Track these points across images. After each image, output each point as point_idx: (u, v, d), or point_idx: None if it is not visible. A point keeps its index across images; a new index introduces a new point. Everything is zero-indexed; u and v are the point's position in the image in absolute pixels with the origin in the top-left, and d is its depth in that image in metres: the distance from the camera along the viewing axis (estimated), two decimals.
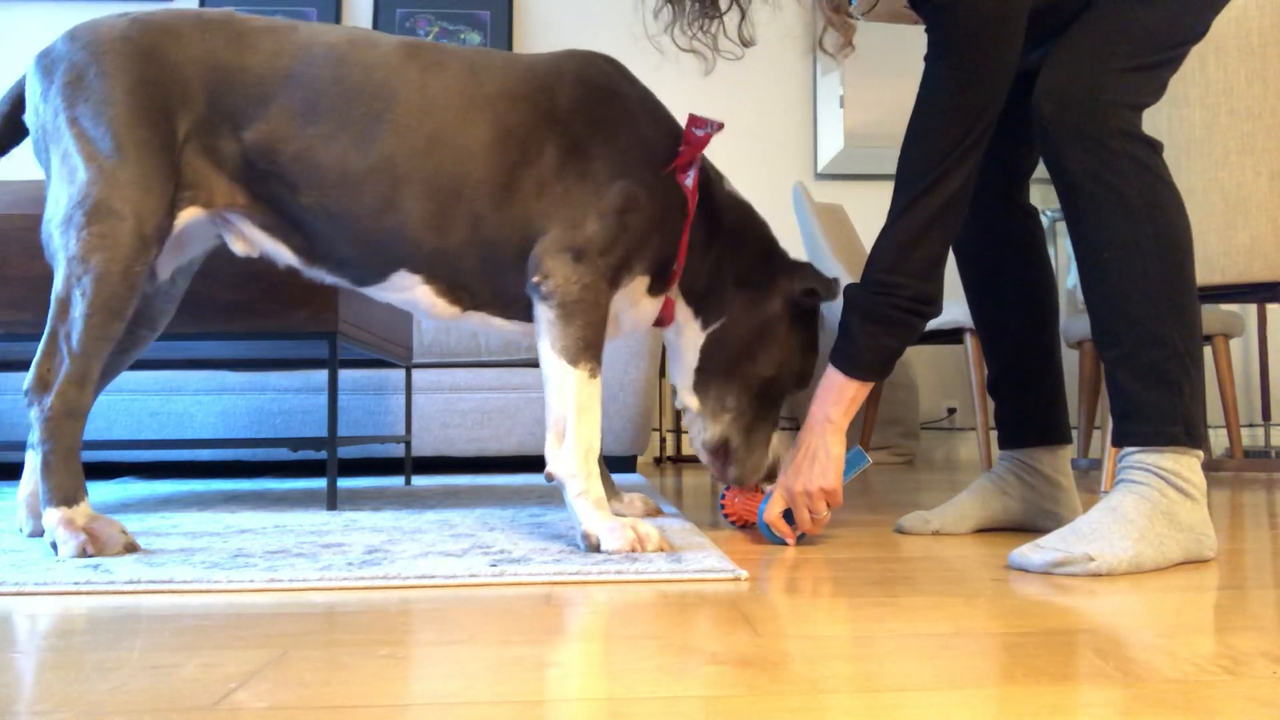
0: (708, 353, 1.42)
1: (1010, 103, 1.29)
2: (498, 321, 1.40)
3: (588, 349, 1.25)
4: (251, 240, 1.37)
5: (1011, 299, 1.44)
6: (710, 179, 1.42)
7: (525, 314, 1.38)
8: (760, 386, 1.43)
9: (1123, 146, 1.15)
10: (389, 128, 1.27)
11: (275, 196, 1.30)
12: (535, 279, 1.26)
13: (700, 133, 1.34)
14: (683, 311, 1.43)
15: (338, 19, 4.21)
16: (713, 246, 1.41)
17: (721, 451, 1.45)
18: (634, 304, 1.39)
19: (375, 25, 4.22)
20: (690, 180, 1.35)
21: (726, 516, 1.48)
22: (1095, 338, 1.20)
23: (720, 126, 1.35)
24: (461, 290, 1.35)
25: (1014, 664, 0.68)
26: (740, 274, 1.42)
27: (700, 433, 1.45)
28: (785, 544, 1.31)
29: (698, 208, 1.39)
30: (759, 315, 1.41)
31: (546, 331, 1.25)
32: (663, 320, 1.44)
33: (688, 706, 0.58)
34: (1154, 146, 1.17)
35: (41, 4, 4.23)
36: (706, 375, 1.43)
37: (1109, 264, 1.16)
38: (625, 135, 1.32)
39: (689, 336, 1.44)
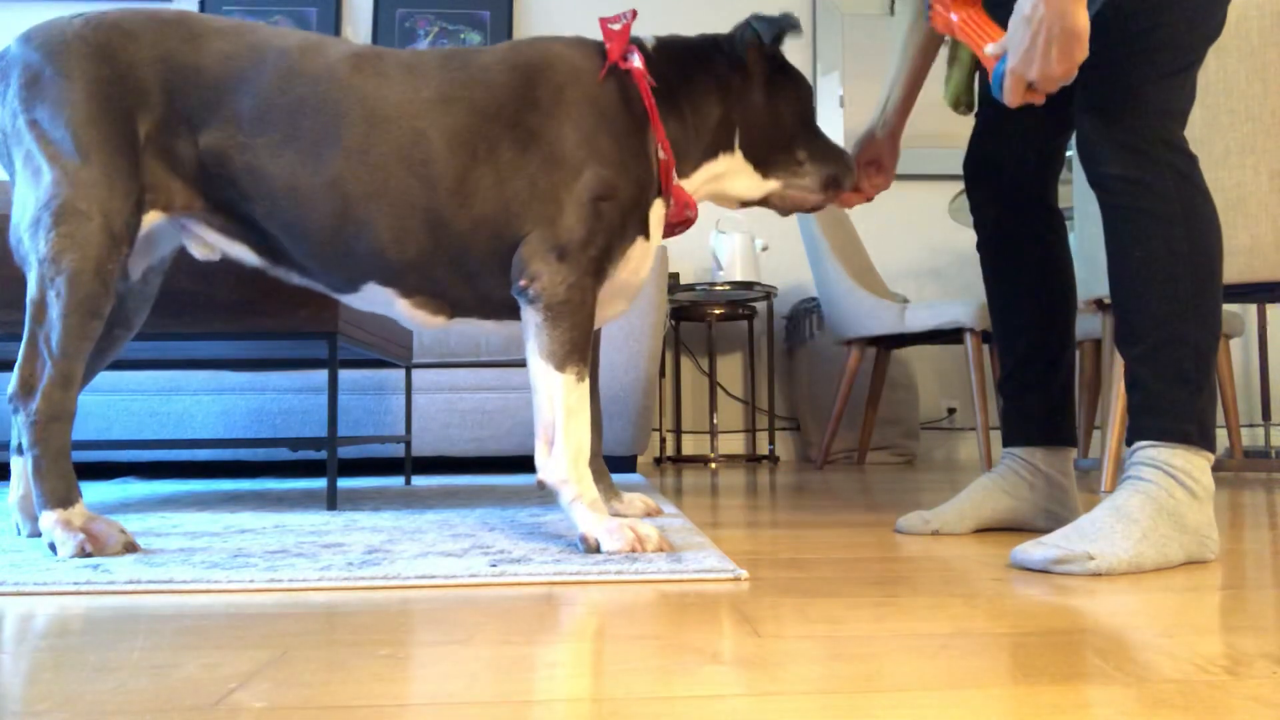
0: (753, 154, 1.40)
1: (1047, 104, 1.28)
2: (489, 325, 1.39)
3: (574, 352, 1.23)
4: (210, 243, 1.37)
5: (1030, 297, 1.44)
6: (645, 54, 1.37)
7: (513, 314, 1.37)
8: (803, 128, 1.43)
9: (1164, 155, 1.17)
10: (336, 143, 1.25)
11: (230, 202, 1.30)
12: (522, 282, 1.24)
13: (617, 26, 1.33)
14: (709, 168, 1.40)
15: (337, 19, 4.21)
16: (684, 105, 1.37)
17: (828, 183, 1.44)
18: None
19: (375, 25, 4.22)
20: (637, 60, 1.31)
21: (930, 18, 1.28)
22: (1118, 333, 1.21)
23: (634, 13, 1.35)
24: (440, 300, 1.34)
25: (1014, 664, 0.68)
26: (719, 90, 1.38)
27: (804, 190, 1.44)
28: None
29: (658, 87, 1.35)
30: (752, 99, 1.39)
31: (534, 335, 1.24)
32: (687, 214, 1.38)
33: (688, 706, 0.58)
34: (1193, 159, 1.19)
35: (42, 4, 4.23)
36: (768, 164, 1.42)
37: (1139, 263, 1.18)
38: (577, 107, 1.28)
39: (731, 170, 1.41)
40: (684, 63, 1.38)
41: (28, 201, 1.24)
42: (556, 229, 1.24)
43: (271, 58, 1.28)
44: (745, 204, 1.49)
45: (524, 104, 1.28)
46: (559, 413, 1.22)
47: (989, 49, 1.18)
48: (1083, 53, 1.08)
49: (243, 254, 1.36)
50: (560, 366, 1.23)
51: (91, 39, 1.26)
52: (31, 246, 1.23)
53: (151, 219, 1.30)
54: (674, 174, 1.35)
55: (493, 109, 1.28)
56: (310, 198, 1.26)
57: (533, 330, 1.24)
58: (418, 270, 1.30)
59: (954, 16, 1.24)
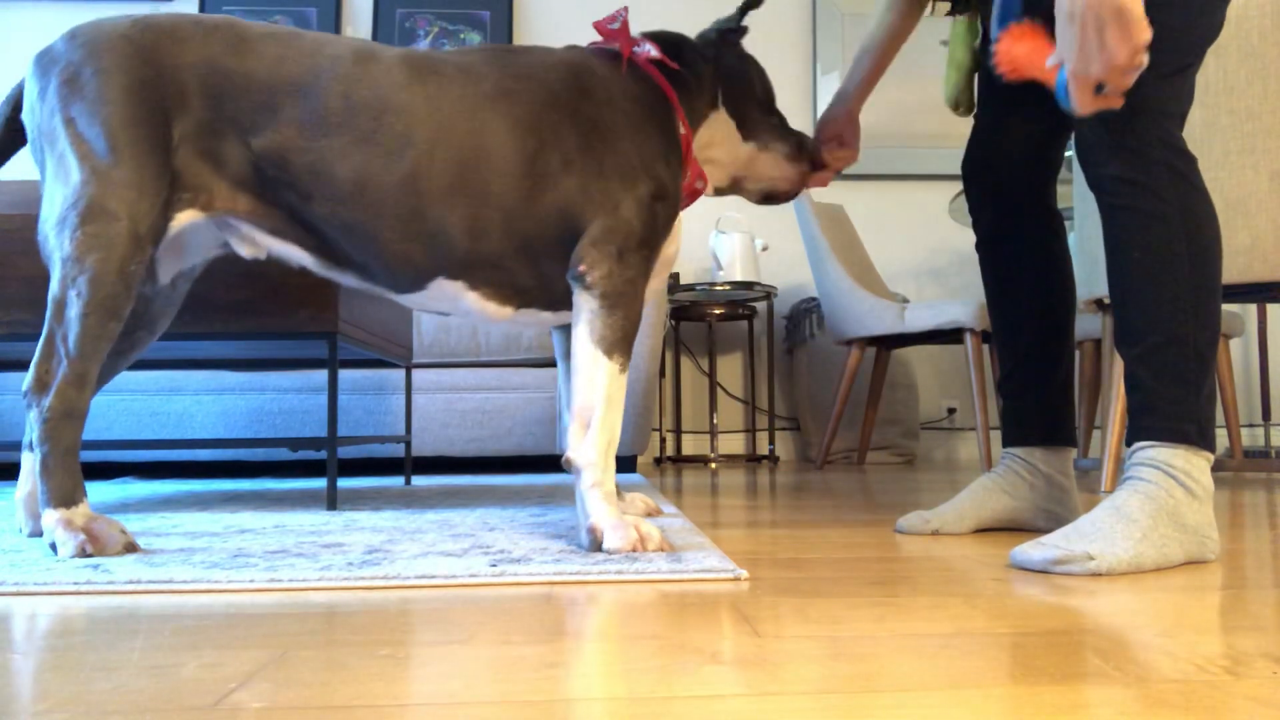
0: (734, 109, 1.48)
1: (1046, 104, 1.27)
2: (547, 316, 1.41)
3: (623, 342, 1.26)
4: (259, 244, 1.37)
5: (1029, 297, 1.44)
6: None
7: (569, 304, 1.39)
8: (769, 100, 1.54)
9: (1162, 156, 1.17)
10: (407, 142, 1.27)
11: (286, 203, 1.30)
12: (581, 268, 1.26)
13: (615, 25, 1.38)
14: (702, 129, 1.46)
15: (337, 19, 4.21)
16: (687, 78, 1.43)
17: (798, 149, 1.52)
18: None
19: (375, 24, 4.22)
20: (653, 51, 1.36)
21: (997, 65, 1.20)
22: (1118, 333, 1.21)
23: (626, 9, 1.41)
24: (508, 290, 1.35)
25: (1014, 664, 0.68)
26: (703, 59, 1.46)
27: (782, 160, 1.52)
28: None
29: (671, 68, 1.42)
30: (728, 62, 1.48)
31: (587, 321, 1.25)
32: (697, 185, 1.44)
33: (688, 706, 0.58)
34: (1191, 159, 1.19)
35: (42, 4, 4.23)
36: (747, 123, 1.50)
37: (1138, 263, 1.18)
38: (624, 101, 1.33)
39: (717, 128, 1.48)
40: (671, 43, 1.46)
41: (56, 199, 1.24)
42: (618, 222, 1.27)
43: (326, 64, 1.29)
44: (719, 188, 1.54)
45: (578, 94, 1.32)
46: (599, 398, 1.23)
47: (1048, 61, 1.13)
48: (1143, 31, 1.00)
49: (294, 254, 1.36)
50: (609, 353, 1.25)
51: (138, 40, 1.26)
52: (56, 244, 1.23)
53: (187, 218, 1.30)
54: (693, 146, 1.41)
55: (550, 98, 1.31)
56: (382, 197, 1.27)
57: (585, 315, 1.26)
58: (489, 260, 1.31)
59: (1017, 50, 1.18)
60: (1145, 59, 1.02)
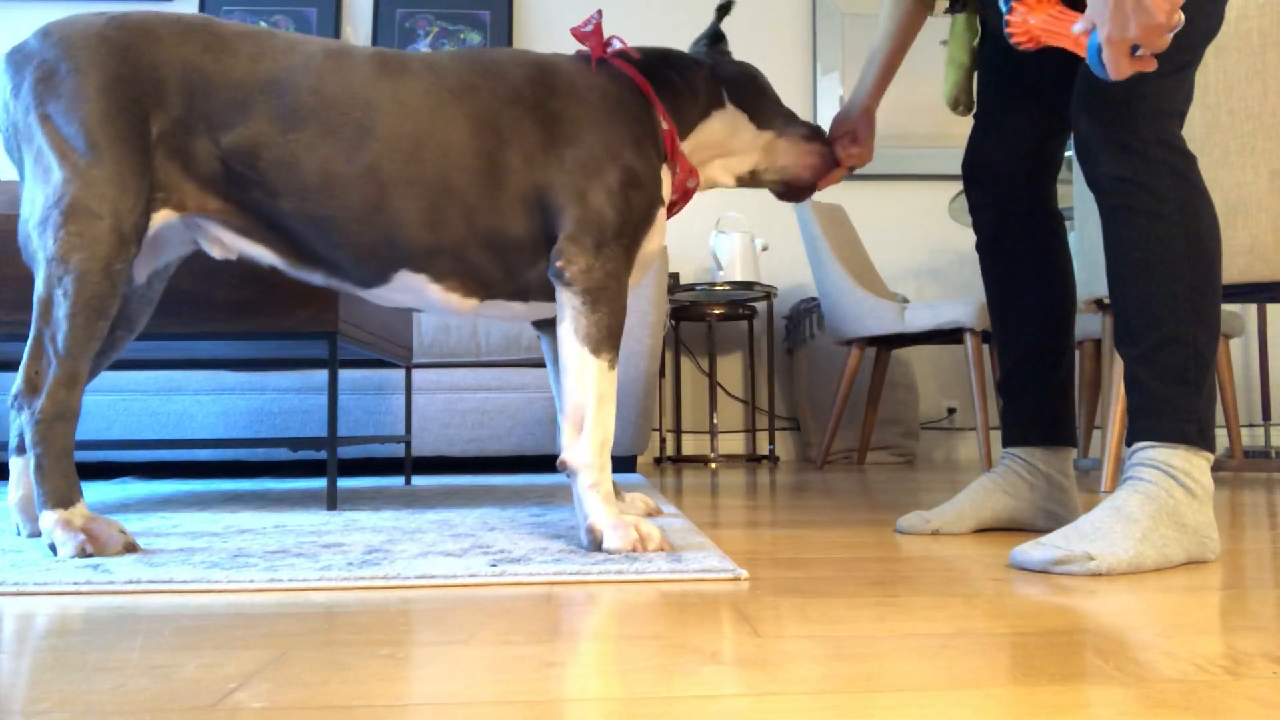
0: (743, 103, 1.50)
1: (1045, 104, 1.27)
2: (517, 307, 1.41)
3: (609, 338, 1.25)
4: (227, 244, 1.37)
5: (1029, 298, 1.45)
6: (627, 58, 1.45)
7: (541, 295, 1.39)
8: (773, 91, 1.57)
9: (1161, 155, 1.17)
10: (371, 134, 1.27)
11: (253, 201, 1.30)
12: (559, 264, 1.26)
13: (588, 28, 1.39)
14: (706, 127, 1.48)
15: (337, 19, 4.21)
16: (673, 75, 1.46)
17: (814, 134, 1.55)
18: None
19: (375, 25, 4.22)
20: (621, 44, 1.39)
21: (1011, 36, 1.18)
22: (1118, 334, 1.21)
23: (600, 12, 1.43)
24: (473, 282, 1.35)
25: (1014, 664, 0.68)
26: (697, 62, 1.50)
27: (801, 142, 1.54)
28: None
29: (641, 60, 1.44)
30: (727, 64, 1.52)
31: (571, 319, 1.25)
32: (689, 184, 1.45)
33: (688, 706, 0.58)
34: (1191, 158, 1.19)
35: (42, 4, 4.23)
36: (759, 112, 1.52)
37: (1137, 263, 1.18)
38: (590, 95, 1.34)
39: (728, 123, 1.49)
40: (662, 52, 1.47)
41: (37, 199, 1.23)
42: (590, 212, 1.27)
43: (299, 60, 1.30)
44: (741, 179, 1.55)
45: (542, 90, 1.32)
46: (590, 398, 1.23)
47: (1075, 28, 1.09)
48: None
49: (261, 254, 1.36)
50: (596, 351, 1.24)
51: (115, 38, 1.26)
52: (40, 244, 1.22)
53: (162, 218, 1.30)
54: (677, 141, 1.41)
55: (513, 95, 1.32)
56: (346, 187, 1.27)
57: (569, 313, 1.25)
58: (451, 252, 1.31)
59: (1033, 20, 1.16)
60: (1182, 17, 0.99)
